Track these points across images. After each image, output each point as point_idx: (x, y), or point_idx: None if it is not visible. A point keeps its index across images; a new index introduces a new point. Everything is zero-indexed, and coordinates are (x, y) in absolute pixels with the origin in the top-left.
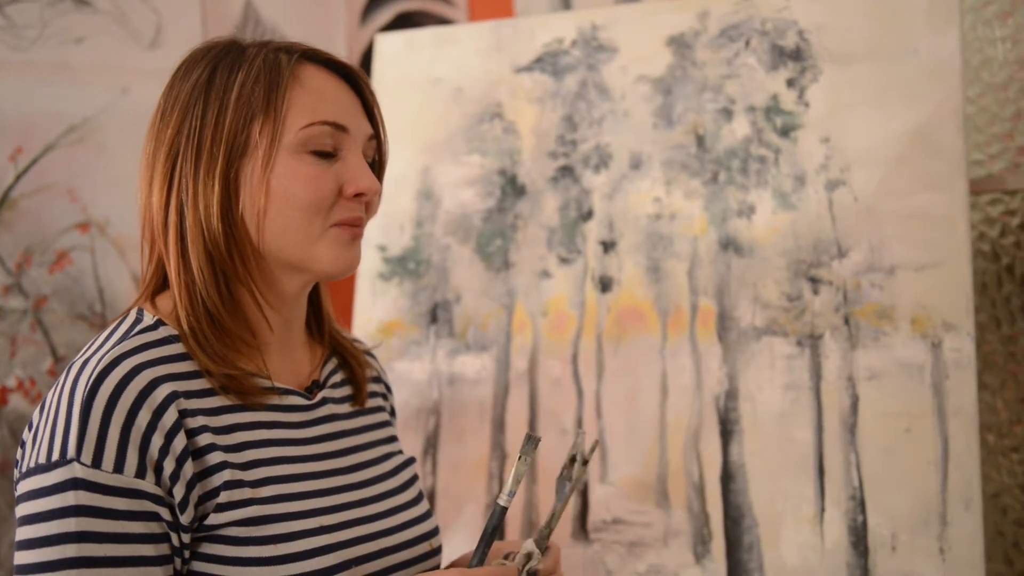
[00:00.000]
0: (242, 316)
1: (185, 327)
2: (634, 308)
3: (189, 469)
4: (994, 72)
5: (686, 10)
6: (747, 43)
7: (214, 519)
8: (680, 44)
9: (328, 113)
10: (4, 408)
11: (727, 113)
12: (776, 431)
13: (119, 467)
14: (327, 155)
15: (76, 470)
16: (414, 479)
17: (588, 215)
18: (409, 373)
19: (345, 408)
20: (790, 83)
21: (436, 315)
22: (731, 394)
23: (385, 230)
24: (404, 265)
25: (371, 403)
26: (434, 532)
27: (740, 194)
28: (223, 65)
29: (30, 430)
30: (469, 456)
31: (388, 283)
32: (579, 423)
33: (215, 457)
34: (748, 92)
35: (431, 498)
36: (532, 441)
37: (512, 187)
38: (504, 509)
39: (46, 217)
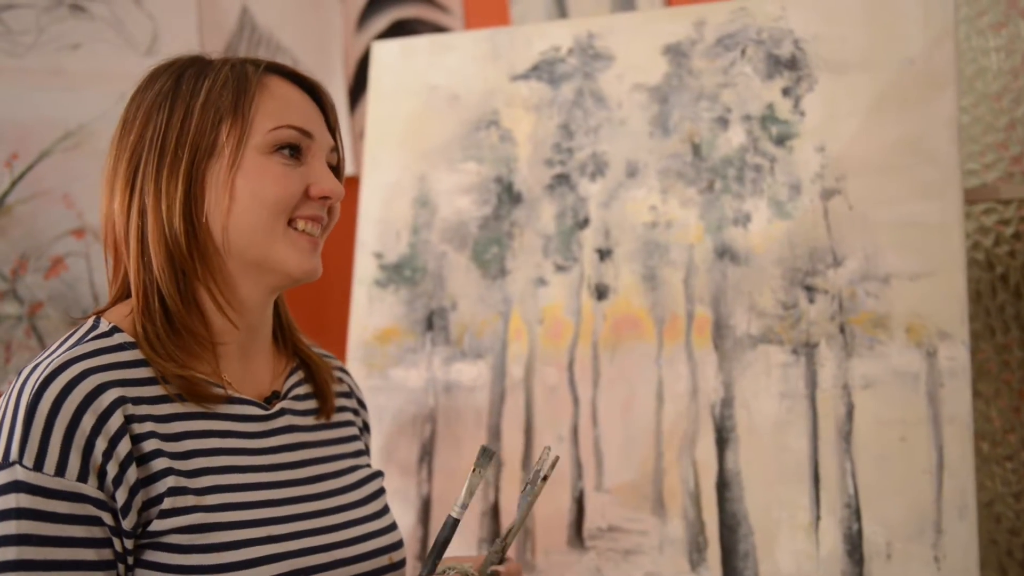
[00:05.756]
0: (200, 317)
1: (139, 327)
2: (630, 316)
3: (133, 474)
4: (988, 82)
5: (682, 19)
6: (743, 52)
7: (157, 525)
8: (676, 53)
9: (295, 119)
10: None
11: (723, 122)
12: (772, 439)
13: (61, 470)
14: (294, 158)
15: (18, 472)
16: (378, 493)
17: (584, 223)
18: (405, 380)
19: (308, 421)
20: (786, 92)
21: (432, 322)
22: (727, 402)
23: (381, 237)
24: (400, 272)
25: (339, 417)
26: (396, 545)
27: (736, 203)
28: (189, 74)
29: None
30: (465, 463)
31: (384, 290)
32: (575, 431)
33: (160, 463)
34: (744, 101)
35: (426, 505)
36: (487, 454)
37: (508, 194)
38: (456, 521)
39: (41, 223)
